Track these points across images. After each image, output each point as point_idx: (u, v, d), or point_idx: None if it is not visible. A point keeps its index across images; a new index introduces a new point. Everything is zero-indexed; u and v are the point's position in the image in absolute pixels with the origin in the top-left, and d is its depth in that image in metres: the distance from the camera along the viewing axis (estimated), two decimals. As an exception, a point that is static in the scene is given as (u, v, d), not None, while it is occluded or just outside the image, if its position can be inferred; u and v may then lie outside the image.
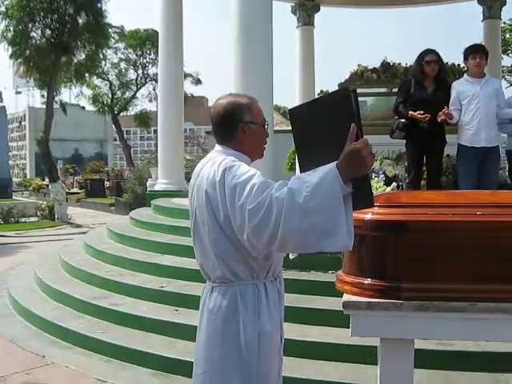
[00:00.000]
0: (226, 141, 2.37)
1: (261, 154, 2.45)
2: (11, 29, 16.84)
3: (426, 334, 2.54)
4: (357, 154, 1.95)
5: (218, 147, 2.40)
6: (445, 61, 6.71)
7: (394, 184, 6.56)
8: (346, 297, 2.52)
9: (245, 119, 2.33)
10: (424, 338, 2.77)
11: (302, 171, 2.22)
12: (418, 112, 5.73)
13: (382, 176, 6.57)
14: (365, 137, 2.03)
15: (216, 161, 2.27)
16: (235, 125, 2.33)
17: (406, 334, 2.47)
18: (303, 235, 1.98)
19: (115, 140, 39.96)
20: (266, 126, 2.43)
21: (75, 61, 18.56)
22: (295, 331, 4.62)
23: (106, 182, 26.79)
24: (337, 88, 10.27)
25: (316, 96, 13.00)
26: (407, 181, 6.21)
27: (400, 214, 2.54)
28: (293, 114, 2.40)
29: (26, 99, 46.48)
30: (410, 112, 5.82)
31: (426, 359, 3.84)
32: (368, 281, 2.52)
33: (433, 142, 5.92)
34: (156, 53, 28.90)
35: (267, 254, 2.22)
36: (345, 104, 2.01)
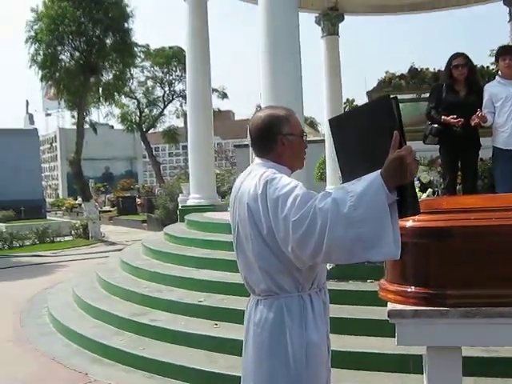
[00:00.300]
0: (266, 153, 2.37)
1: (301, 164, 2.44)
2: (41, 52, 17.22)
3: (473, 341, 2.51)
4: (401, 161, 1.92)
5: (257, 160, 2.40)
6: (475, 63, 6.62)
7: (430, 190, 6.49)
8: (391, 306, 2.50)
9: (283, 131, 2.33)
10: (471, 345, 2.74)
11: (344, 181, 2.21)
12: (451, 116, 5.66)
13: (416, 182, 6.50)
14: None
15: (257, 174, 2.27)
16: (274, 137, 2.33)
17: (453, 341, 2.43)
18: (349, 245, 1.96)
19: (144, 157, 40.43)
20: (305, 137, 2.43)
21: (103, 81, 18.87)
22: (336, 342, 4.56)
23: (137, 199, 27.08)
24: (365, 96, 10.26)
25: (343, 105, 12.99)
26: (442, 186, 6.13)
27: (442, 220, 2.52)
28: (332, 124, 2.39)
29: (55, 121, 47.39)
30: (442, 117, 5.76)
31: (472, 366, 3.77)
32: (412, 289, 2.50)
33: (467, 146, 5.84)
34: (182, 69, 29.25)
35: (312, 265, 2.21)
36: (387, 111, 2.00)
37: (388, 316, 2.46)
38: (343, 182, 2.20)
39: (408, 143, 2.03)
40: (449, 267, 2.44)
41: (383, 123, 2.02)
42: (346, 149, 2.33)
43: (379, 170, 1.95)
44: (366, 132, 2.14)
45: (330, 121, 2.40)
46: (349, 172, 2.25)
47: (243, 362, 2.42)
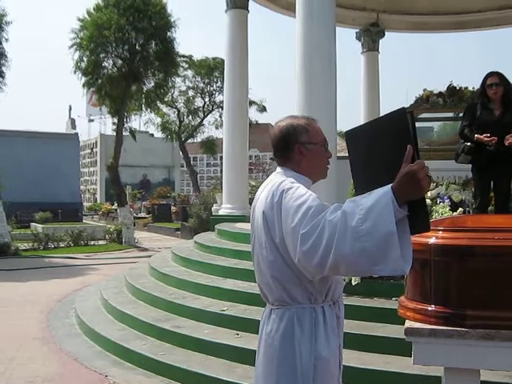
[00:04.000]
0: (285, 162, 2.36)
1: (323, 174, 2.42)
2: (85, 59, 17.56)
3: (492, 364, 2.44)
4: (413, 176, 1.88)
5: (278, 169, 2.40)
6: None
7: (460, 209, 6.36)
8: (409, 323, 2.46)
9: (301, 140, 2.31)
10: (490, 368, 2.66)
11: (357, 194, 2.18)
12: (485, 135, 5.57)
13: (447, 201, 6.39)
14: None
15: (275, 182, 2.26)
16: (291, 146, 2.32)
17: (471, 363, 2.38)
18: (355, 259, 1.92)
19: (182, 166, 40.71)
20: (327, 146, 2.40)
21: (145, 89, 19.12)
22: (356, 359, 4.52)
23: (172, 207, 27.26)
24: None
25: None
26: (474, 206, 6.01)
27: (465, 239, 2.47)
28: (348, 136, 2.37)
29: (98, 127, 48.08)
30: (475, 135, 5.67)
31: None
32: (431, 307, 2.45)
33: (500, 166, 5.72)
34: (223, 81, 29.39)
35: (324, 277, 2.18)
36: (401, 125, 1.97)
37: (405, 334, 2.42)
38: (356, 195, 2.16)
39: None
40: (469, 287, 2.39)
41: (398, 137, 1.98)
42: (359, 161, 2.30)
43: (391, 184, 1.92)
44: (381, 145, 2.11)
45: (347, 133, 2.38)
46: (362, 184, 2.22)
47: (254, 372, 2.40)
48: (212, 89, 31.82)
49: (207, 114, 32.19)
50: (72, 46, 17.47)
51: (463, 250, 2.44)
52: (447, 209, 6.20)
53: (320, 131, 2.39)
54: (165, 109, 30.77)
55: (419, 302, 2.53)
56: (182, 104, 32.07)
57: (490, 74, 5.80)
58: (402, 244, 1.89)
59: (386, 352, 4.65)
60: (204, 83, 31.68)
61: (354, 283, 5.38)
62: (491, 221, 2.85)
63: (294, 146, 2.32)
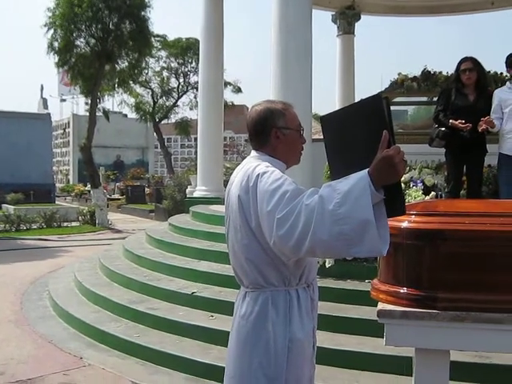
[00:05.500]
0: (261, 146, 2.37)
1: (297, 159, 2.44)
2: (58, 38, 17.24)
3: (461, 345, 2.49)
4: (389, 161, 1.92)
5: (253, 153, 2.41)
6: (488, 69, 6.58)
7: (433, 193, 6.46)
8: (381, 305, 2.50)
9: (278, 124, 2.33)
10: (460, 349, 2.72)
11: (333, 178, 2.20)
12: (459, 121, 5.63)
13: (420, 185, 6.48)
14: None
15: (250, 166, 2.27)
16: (268, 130, 2.33)
17: (442, 344, 2.42)
18: (332, 243, 1.95)
19: (156, 147, 40.45)
20: (302, 132, 2.42)
21: (119, 69, 18.89)
22: (330, 340, 4.60)
23: (146, 189, 27.12)
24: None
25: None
26: (446, 190, 6.11)
27: (437, 223, 2.50)
28: (324, 121, 2.39)
29: (70, 107, 47.42)
30: (450, 121, 5.73)
31: (462, 372, 3.75)
32: (403, 290, 2.49)
33: (473, 151, 5.81)
34: (197, 61, 29.08)
35: (298, 260, 2.21)
36: (377, 111, 1.99)
37: (377, 316, 2.46)
38: (332, 179, 2.19)
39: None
40: (440, 270, 2.43)
41: (373, 122, 2.01)
42: (335, 146, 2.32)
43: (367, 169, 1.95)
44: (357, 130, 2.13)
45: (322, 118, 2.40)
46: (338, 169, 2.25)
47: (227, 352, 2.43)
48: (186, 69, 31.52)
49: (182, 95, 31.91)
50: (46, 25, 17.14)
51: (435, 234, 2.47)
52: (420, 192, 6.29)
53: (296, 117, 2.40)
54: (139, 89, 30.45)
55: (392, 285, 2.57)
56: (156, 84, 31.75)
57: (464, 60, 5.86)
58: (378, 226, 1.92)
59: (358, 333, 4.74)
60: (178, 63, 31.36)
61: (327, 265, 5.44)
62: (463, 205, 2.90)
63: (271, 131, 2.33)
